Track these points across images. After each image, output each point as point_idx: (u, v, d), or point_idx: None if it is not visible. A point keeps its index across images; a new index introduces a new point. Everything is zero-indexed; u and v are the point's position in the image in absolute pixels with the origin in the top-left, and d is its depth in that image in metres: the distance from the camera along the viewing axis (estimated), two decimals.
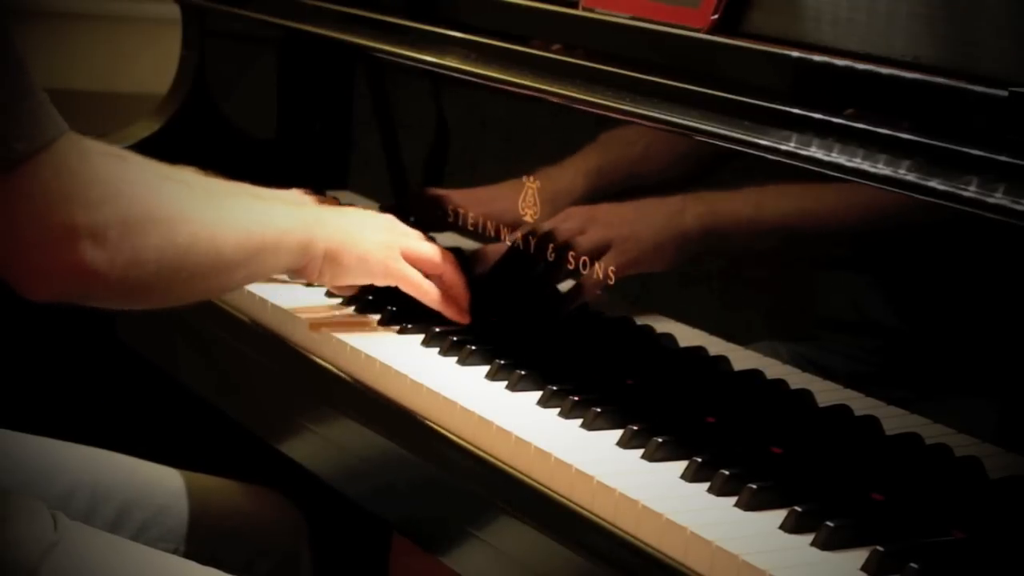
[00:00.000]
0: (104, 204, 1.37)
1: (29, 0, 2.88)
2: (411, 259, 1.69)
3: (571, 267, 1.65)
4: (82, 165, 1.36)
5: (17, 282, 1.38)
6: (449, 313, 1.70)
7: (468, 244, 1.79)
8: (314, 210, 1.67)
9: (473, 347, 1.61)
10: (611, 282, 1.60)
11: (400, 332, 1.70)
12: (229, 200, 1.58)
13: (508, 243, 1.73)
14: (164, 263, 1.43)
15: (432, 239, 1.78)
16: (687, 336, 1.53)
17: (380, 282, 1.69)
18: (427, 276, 1.70)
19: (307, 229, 1.62)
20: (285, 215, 1.61)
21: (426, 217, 1.86)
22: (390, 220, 1.74)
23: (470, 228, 1.79)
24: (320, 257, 1.63)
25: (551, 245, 1.67)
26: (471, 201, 1.80)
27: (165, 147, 2.19)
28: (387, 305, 1.73)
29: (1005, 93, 1.23)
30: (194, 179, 1.59)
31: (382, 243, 1.68)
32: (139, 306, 1.57)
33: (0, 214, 1.34)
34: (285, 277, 1.78)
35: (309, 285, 1.80)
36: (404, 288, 1.69)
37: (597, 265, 1.61)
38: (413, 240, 1.72)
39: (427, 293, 1.68)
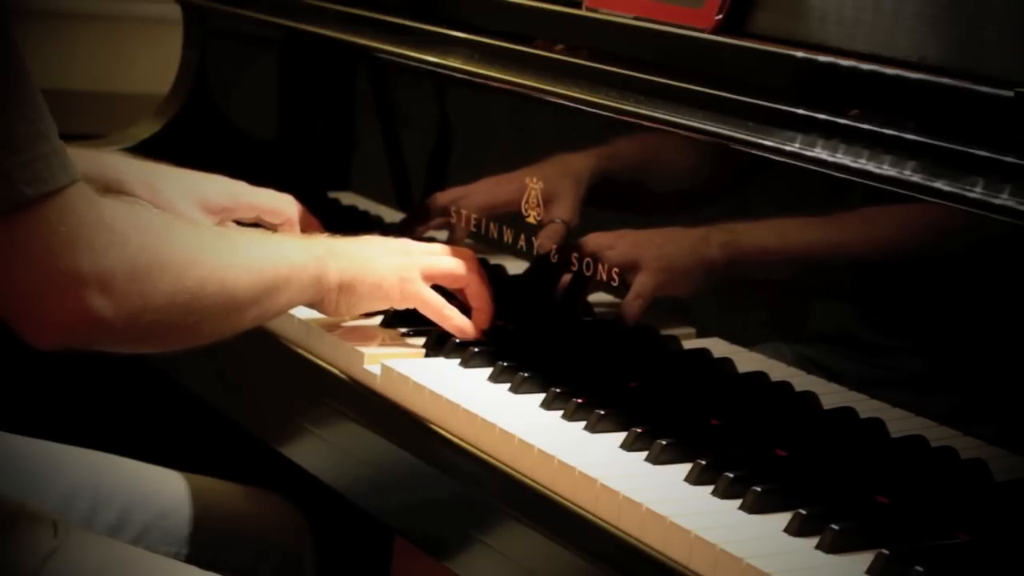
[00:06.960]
0: (111, 250, 1.33)
1: (29, 0, 2.88)
2: (432, 276, 1.65)
3: (574, 269, 1.64)
4: (89, 211, 1.32)
5: (22, 330, 1.34)
6: (469, 331, 1.65)
7: (470, 246, 1.78)
8: (325, 243, 1.62)
9: (476, 349, 1.60)
10: (615, 284, 1.60)
11: (402, 335, 1.69)
12: (240, 238, 1.55)
13: (511, 245, 1.73)
14: (174, 308, 1.39)
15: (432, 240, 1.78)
16: (691, 338, 1.53)
17: (399, 306, 1.65)
18: (452, 290, 1.67)
19: (319, 262, 1.58)
20: (296, 250, 1.57)
21: (429, 218, 1.85)
22: (404, 243, 1.68)
23: (473, 229, 1.78)
24: (335, 289, 1.59)
25: (554, 247, 1.67)
26: None
27: (166, 148, 2.18)
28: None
29: (1011, 94, 1.23)
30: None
31: (397, 266, 1.63)
32: (150, 350, 1.52)
33: (4, 260, 1.30)
34: None
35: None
36: (423, 312, 1.65)
37: (600, 267, 1.61)
38: (431, 257, 1.67)
39: (447, 319, 1.64)
